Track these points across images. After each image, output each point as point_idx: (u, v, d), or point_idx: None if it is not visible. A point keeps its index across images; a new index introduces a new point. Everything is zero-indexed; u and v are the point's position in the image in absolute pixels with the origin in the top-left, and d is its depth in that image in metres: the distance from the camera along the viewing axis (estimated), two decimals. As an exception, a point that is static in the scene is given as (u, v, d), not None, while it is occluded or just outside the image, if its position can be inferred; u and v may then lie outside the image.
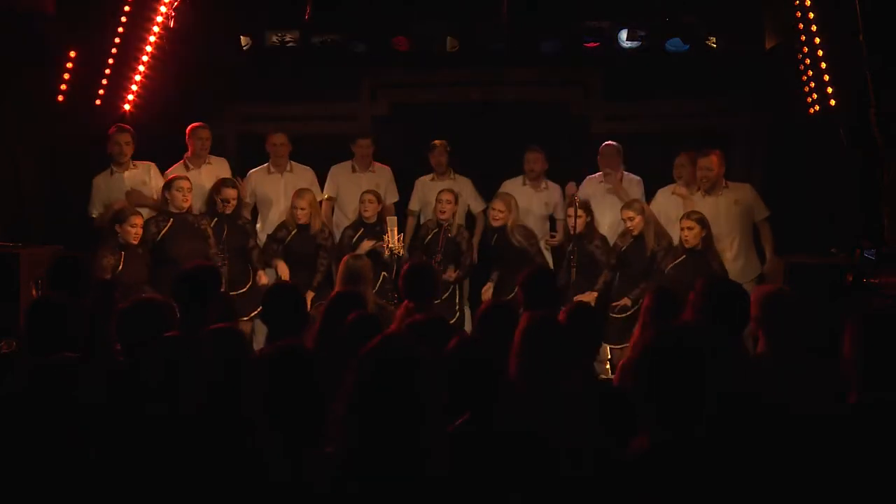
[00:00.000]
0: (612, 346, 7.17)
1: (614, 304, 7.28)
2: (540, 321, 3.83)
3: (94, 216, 7.73)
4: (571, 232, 7.33)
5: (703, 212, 7.12)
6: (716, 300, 4.04)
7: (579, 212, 7.23)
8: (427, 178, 8.34)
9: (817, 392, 3.66)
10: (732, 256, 7.40)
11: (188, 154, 8.01)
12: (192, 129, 7.98)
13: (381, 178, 8.31)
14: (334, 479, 2.52)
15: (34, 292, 6.28)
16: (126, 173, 7.74)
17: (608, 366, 7.10)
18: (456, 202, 7.74)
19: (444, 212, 7.68)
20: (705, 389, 2.47)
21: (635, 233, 7.26)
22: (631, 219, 7.26)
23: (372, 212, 7.62)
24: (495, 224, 7.65)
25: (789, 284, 6.30)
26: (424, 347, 2.76)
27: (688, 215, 7.07)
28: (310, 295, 7.26)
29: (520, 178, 8.17)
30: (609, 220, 7.82)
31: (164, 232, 7.29)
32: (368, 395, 2.53)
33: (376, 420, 2.51)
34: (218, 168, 8.07)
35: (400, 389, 2.53)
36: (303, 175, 8.19)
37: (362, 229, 7.64)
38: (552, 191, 8.16)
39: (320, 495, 2.54)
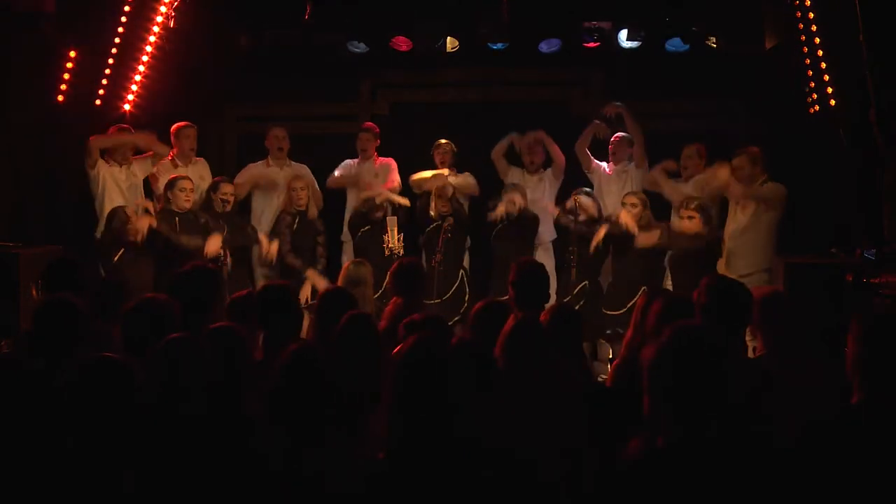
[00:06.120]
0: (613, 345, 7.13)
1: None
2: (521, 324, 3.86)
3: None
4: (578, 211, 7.31)
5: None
6: (717, 299, 4.03)
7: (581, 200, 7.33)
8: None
9: (819, 393, 3.66)
10: (742, 252, 7.28)
11: (175, 152, 7.97)
12: (178, 129, 7.96)
13: (384, 169, 8.27)
14: (383, 482, 2.54)
15: (34, 293, 6.26)
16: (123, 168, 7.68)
17: (609, 366, 7.08)
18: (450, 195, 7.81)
19: (445, 207, 7.71)
20: (723, 389, 2.47)
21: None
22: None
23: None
24: (511, 210, 7.67)
25: (789, 284, 6.29)
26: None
27: (687, 204, 7.00)
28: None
29: (521, 170, 8.19)
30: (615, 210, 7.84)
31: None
32: (411, 396, 2.57)
33: (420, 419, 2.55)
34: (202, 167, 8.07)
35: (440, 387, 2.58)
36: (299, 171, 8.18)
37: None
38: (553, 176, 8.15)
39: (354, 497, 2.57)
